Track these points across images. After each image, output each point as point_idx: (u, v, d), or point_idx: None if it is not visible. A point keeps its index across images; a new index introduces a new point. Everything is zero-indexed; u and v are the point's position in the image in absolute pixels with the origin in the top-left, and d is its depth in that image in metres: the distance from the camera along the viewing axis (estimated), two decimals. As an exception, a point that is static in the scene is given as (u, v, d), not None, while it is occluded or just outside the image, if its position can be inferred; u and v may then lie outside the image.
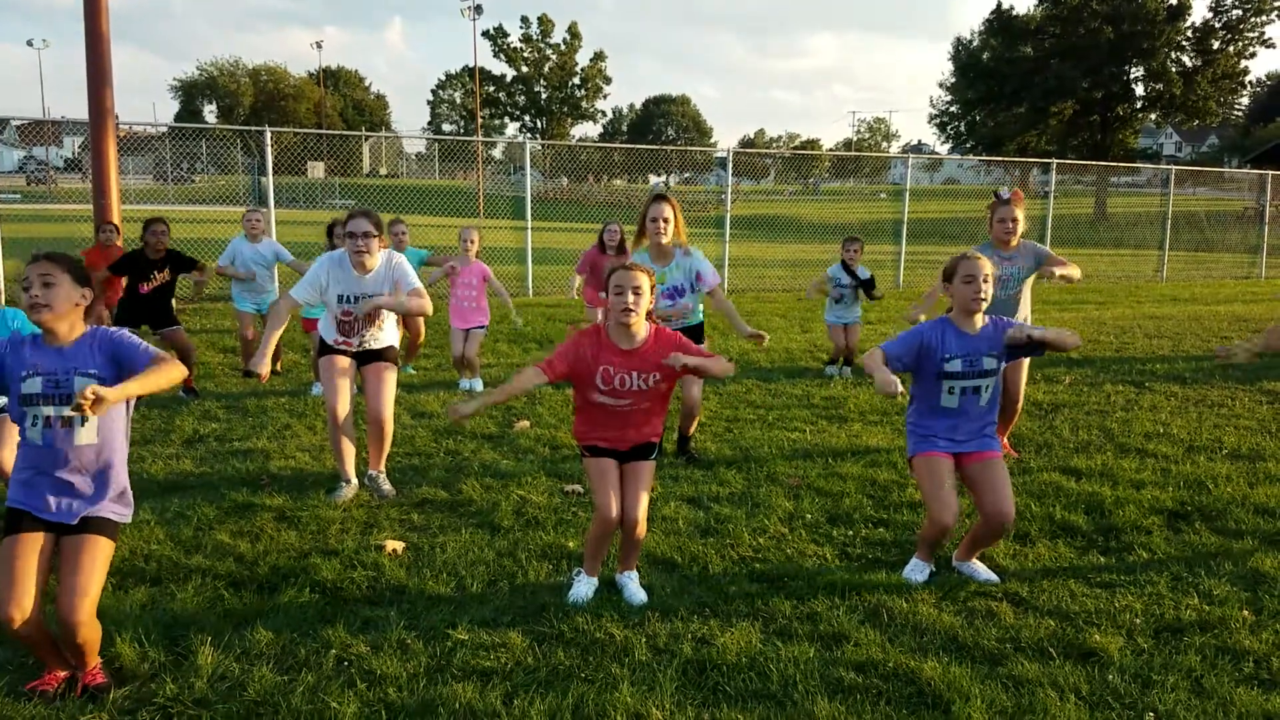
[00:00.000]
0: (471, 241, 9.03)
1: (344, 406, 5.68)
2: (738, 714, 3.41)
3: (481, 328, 9.21)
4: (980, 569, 4.63)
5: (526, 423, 7.59)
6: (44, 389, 3.38)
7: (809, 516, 5.46)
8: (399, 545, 4.95)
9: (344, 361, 5.75)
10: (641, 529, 4.30)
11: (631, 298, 4.03)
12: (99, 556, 3.43)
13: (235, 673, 3.63)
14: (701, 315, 6.58)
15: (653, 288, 4.16)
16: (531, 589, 4.42)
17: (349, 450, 5.78)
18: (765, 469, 6.38)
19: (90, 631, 3.42)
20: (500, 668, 3.71)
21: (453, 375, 9.33)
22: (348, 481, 5.78)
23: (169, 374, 3.40)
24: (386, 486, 5.82)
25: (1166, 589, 4.47)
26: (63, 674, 3.55)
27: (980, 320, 4.50)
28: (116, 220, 11.27)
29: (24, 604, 3.28)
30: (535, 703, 3.43)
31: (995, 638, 3.97)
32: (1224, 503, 5.70)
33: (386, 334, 5.85)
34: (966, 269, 4.42)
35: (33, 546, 3.39)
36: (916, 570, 4.60)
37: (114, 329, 3.56)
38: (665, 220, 6.20)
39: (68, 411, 3.29)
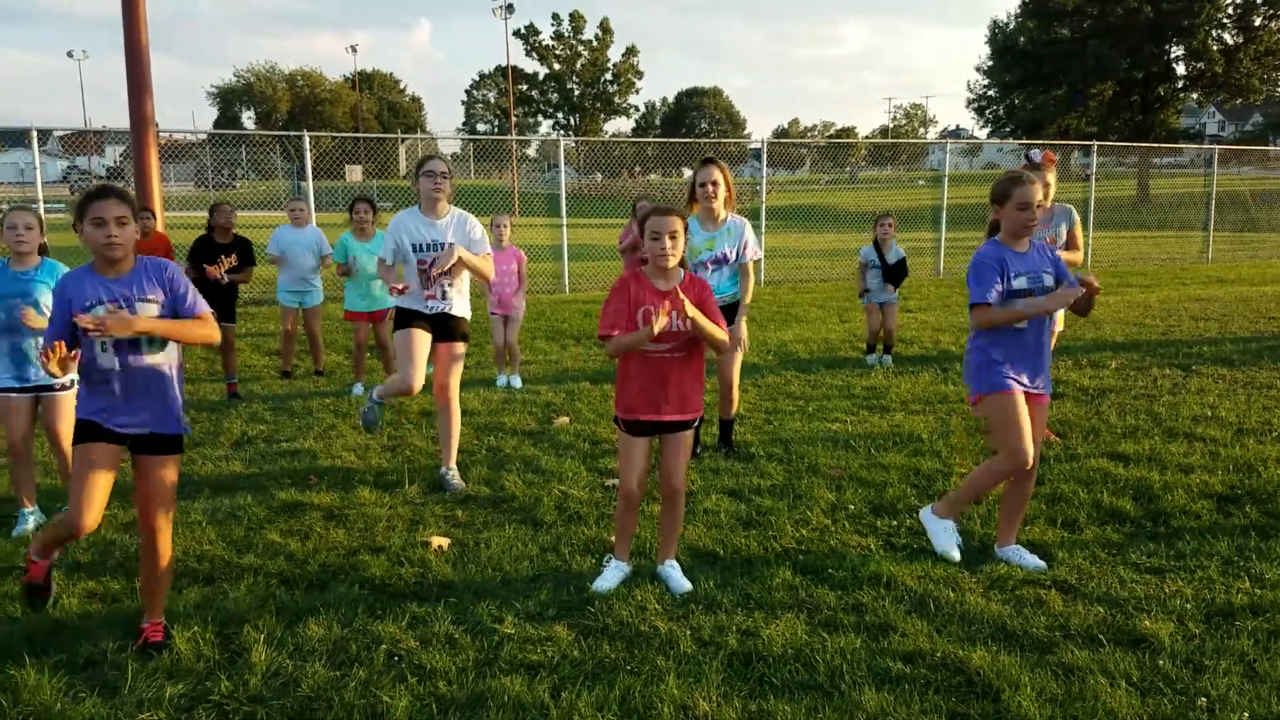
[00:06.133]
0: (504, 227, 9.16)
1: (419, 381, 5.89)
2: (785, 705, 3.41)
3: (519, 313, 9.31)
4: (1027, 555, 4.59)
5: (566, 419, 7.63)
6: (109, 314, 3.60)
7: (852, 507, 5.44)
8: (444, 541, 5.00)
9: (422, 337, 5.87)
10: (682, 494, 4.42)
11: (668, 243, 4.20)
12: (171, 470, 3.83)
13: (288, 669, 3.69)
14: (733, 295, 6.52)
15: (685, 228, 4.27)
16: (576, 583, 4.45)
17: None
18: (806, 460, 6.36)
19: (169, 543, 3.85)
20: (547, 661, 3.74)
21: (492, 373, 9.39)
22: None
23: (205, 333, 3.80)
24: (458, 482, 5.94)
25: (1217, 573, 4.41)
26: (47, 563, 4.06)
27: (1027, 241, 4.52)
28: (156, 209, 11.37)
29: (95, 515, 3.70)
30: (583, 695, 3.46)
31: (1044, 626, 3.94)
32: (1274, 485, 5.60)
33: (464, 299, 5.99)
34: (1021, 196, 4.39)
35: (107, 458, 3.72)
36: (947, 538, 4.60)
37: (164, 262, 3.85)
38: (715, 184, 6.21)
39: (89, 321, 3.51)
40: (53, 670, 3.65)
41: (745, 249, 6.34)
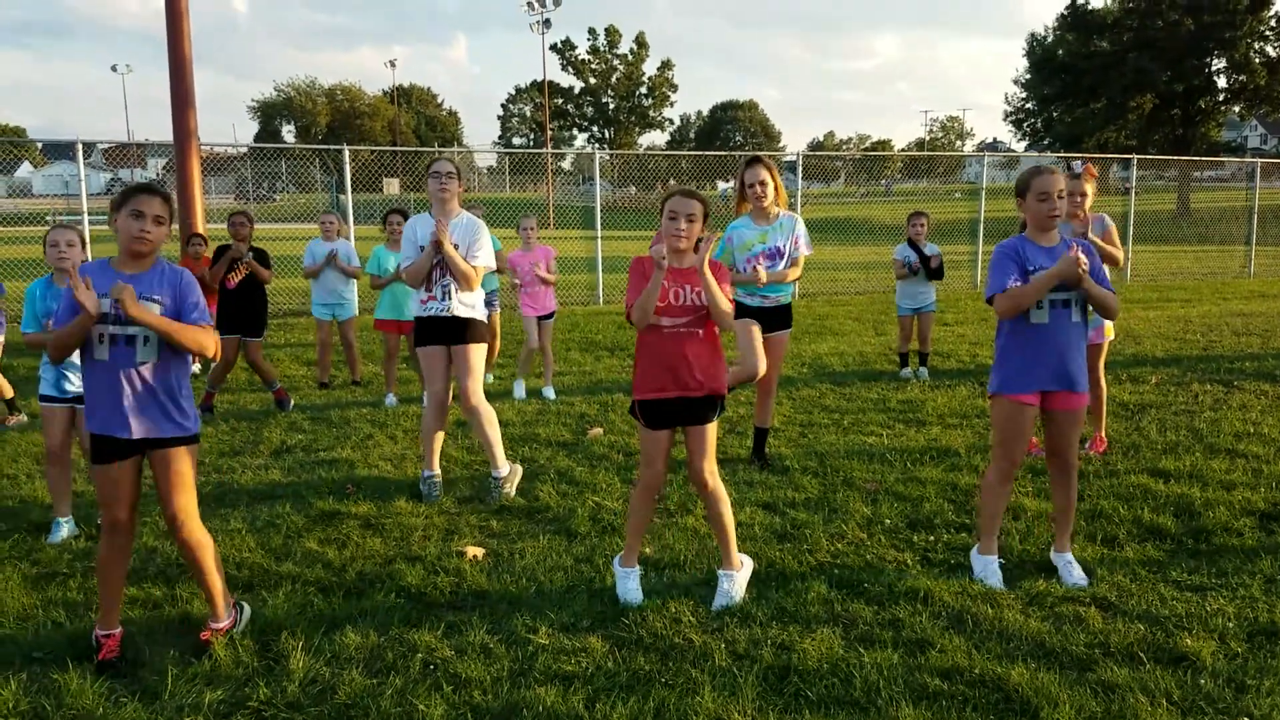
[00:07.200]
0: (531, 229, 9.28)
1: (444, 392, 6.02)
2: None
3: (552, 315, 9.40)
4: (1074, 569, 4.54)
5: (600, 430, 7.64)
6: (111, 308, 3.66)
7: (888, 521, 5.41)
8: (479, 551, 5.02)
9: (437, 351, 6.00)
10: (717, 488, 4.33)
11: (684, 224, 4.17)
12: (185, 462, 3.84)
13: (326, 676, 3.72)
14: (790, 296, 6.56)
15: (706, 216, 4.23)
16: (609, 594, 4.45)
17: (439, 439, 6.14)
18: (841, 474, 6.33)
19: (195, 529, 3.88)
20: (581, 672, 3.74)
21: (532, 385, 9.40)
22: (430, 472, 6.08)
23: (201, 339, 3.79)
24: (508, 487, 6.01)
25: (1260, 591, 4.34)
26: (118, 633, 3.91)
27: (1056, 235, 4.45)
28: (198, 220, 11.57)
29: (127, 507, 3.79)
30: (617, 707, 3.46)
31: (1084, 643, 3.89)
32: (1321, 504, 5.51)
33: (472, 301, 6.03)
34: (1040, 186, 4.35)
35: (123, 467, 3.77)
36: (988, 571, 4.53)
37: (181, 270, 3.88)
38: (764, 183, 6.27)
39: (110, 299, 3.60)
40: (95, 675, 3.71)
41: (797, 243, 6.37)
